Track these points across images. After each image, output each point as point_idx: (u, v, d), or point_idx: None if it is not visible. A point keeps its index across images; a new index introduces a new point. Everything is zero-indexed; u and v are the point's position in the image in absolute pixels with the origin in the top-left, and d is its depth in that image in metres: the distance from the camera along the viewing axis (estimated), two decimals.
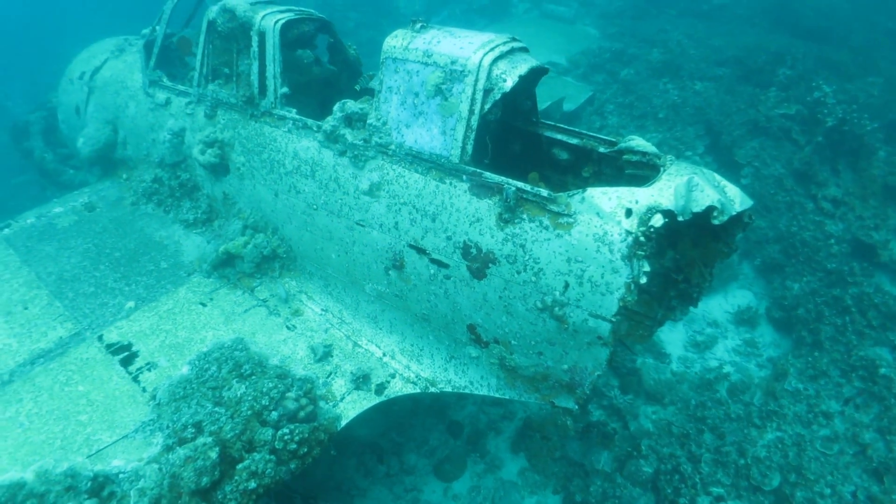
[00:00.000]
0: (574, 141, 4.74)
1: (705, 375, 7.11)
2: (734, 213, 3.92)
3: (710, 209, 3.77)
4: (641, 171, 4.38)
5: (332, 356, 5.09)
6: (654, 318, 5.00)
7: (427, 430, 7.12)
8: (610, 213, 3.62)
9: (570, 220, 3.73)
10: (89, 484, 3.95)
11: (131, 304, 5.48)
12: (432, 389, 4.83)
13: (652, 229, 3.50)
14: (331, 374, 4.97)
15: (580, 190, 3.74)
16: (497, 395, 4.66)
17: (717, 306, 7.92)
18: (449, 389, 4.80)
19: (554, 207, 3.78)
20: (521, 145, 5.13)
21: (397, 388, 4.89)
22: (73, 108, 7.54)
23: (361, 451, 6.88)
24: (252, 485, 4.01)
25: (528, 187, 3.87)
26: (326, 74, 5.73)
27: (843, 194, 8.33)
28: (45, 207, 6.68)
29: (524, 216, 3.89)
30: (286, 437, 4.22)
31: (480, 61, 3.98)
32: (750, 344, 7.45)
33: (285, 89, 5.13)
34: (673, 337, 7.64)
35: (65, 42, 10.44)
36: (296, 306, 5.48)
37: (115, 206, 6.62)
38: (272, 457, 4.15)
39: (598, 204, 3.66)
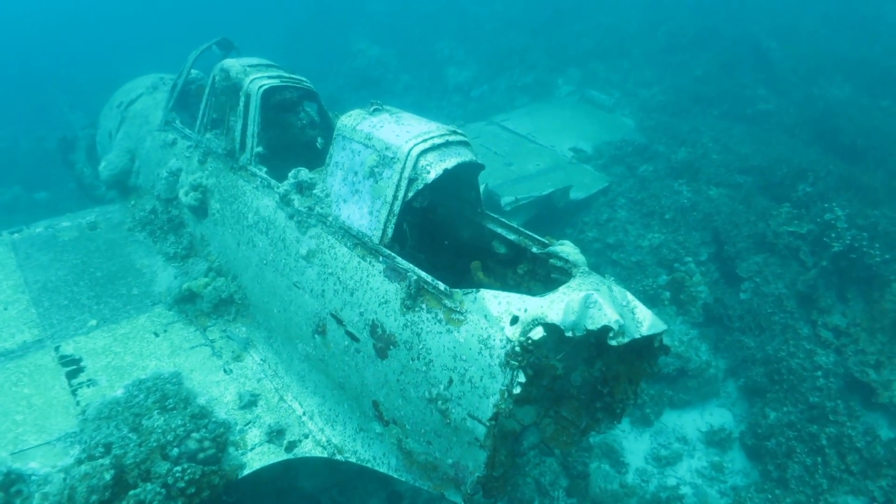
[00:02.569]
0: (511, 237, 4.82)
1: (659, 493, 6.79)
2: (638, 337, 3.86)
3: (606, 329, 3.74)
4: (563, 278, 4.39)
5: (256, 406, 5.24)
6: (578, 426, 4.89)
7: (368, 495, 7.07)
8: (496, 317, 3.66)
9: (461, 317, 3.80)
10: (1, 478, 4.24)
11: (94, 322, 5.84)
12: (338, 457, 4.89)
13: (530, 341, 3.52)
14: (250, 422, 5.10)
15: (474, 290, 3.81)
16: (396, 476, 4.66)
17: (691, 421, 7.59)
18: (353, 460, 4.84)
19: (448, 303, 3.86)
20: (470, 233, 5.24)
21: (307, 449, 4.97)
22: (107, 132, 8.24)
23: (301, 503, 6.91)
24: None
25: (428, 278, 3.98)
26: (308, 138, 6.08)
27: (847, 325, 7.91)
28: (56, 220, 7.28)
29: (423, 306, 3.99)
30: (177, 475, 4.37)
31: (409, 151, 4.17)
32: (716, 468, 7.08)
33: (260, 148, 5.49)
34: (637, 446, 7.36)
35: (143, 63, 11.40)
36: (239, 352, 5.70)
37: (115, 229, 7.13)
38: (162, 490, 4.30)
39: (488, 306, 3.71)
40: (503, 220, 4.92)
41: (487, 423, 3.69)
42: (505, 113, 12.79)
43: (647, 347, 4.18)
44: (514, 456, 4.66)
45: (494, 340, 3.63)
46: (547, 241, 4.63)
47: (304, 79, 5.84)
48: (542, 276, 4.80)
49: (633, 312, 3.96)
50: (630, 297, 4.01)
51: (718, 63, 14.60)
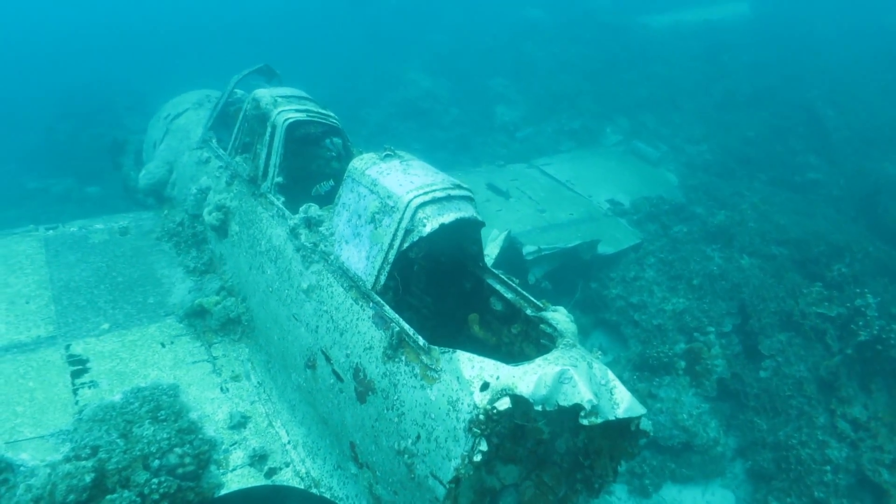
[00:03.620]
0: (509, 295, 4.83)
1: None
2: (612, 419, 3.79)
3: (578, 408, 3.68)
4: (552, 345, 4.37)
5: (245, 427, 5.36)
6: (557, 494, 4.82)
7: None
8: (468, 381, 3.67)
9: (436, 375, 3.82)
10: None
11: (106, 325, 6.09)
12: (314, 490, 4.94)
13: (495, 411, 3.50)
14: (236, 443, 5.22)
15: (451, 350, 3.83)
16: None
17: (692, 499, 7.32)
18: (328, 496, 4.89)
19: (425, 359, 3.89)
20: (471, 285, 5.26)
21: (286, 478, 5.05)
22: (152, 141, 8.65)
23: None
24: None
25: (410, 331, 4.02)
26: (331, 171, 6.25)
27: (868, 418, 7.53)
28: (90, 221, 7.63)
29: (402, 358, 4.03)
30: (154, 486, 4.51)
31: (409, 202, 4.25)
32: None
33: (280, 178, 5.68)
34: None
35: (202, 77, 11.80)
36: (239, 372, 5.84)
37: (143, 237, 7.44)
38: (138, 499, 4.46)
39: (461, 369, 3.73)
40: (503, 276, 4.93)
41: (447, 485, 3.68)
42: (548, 157, 12.76)
43: (628, 429, 4.09)
44: None
45: (462, 404, 3.63)
46: (541, 305, 4.62)
47: (331, 114, 6.02)
48: (534, 338, 4.78)
49: (611, 392, 3.89)
50: (611, 376, 3.95)
51: (771, 126, 14.29)
